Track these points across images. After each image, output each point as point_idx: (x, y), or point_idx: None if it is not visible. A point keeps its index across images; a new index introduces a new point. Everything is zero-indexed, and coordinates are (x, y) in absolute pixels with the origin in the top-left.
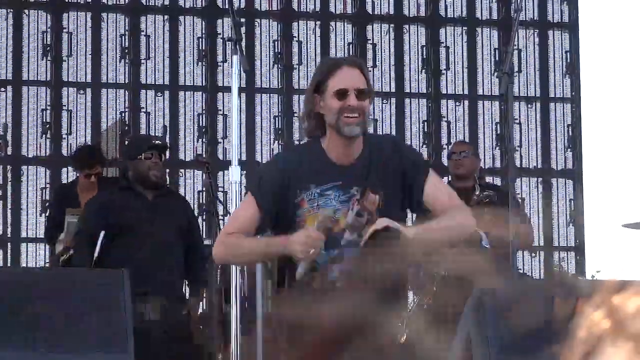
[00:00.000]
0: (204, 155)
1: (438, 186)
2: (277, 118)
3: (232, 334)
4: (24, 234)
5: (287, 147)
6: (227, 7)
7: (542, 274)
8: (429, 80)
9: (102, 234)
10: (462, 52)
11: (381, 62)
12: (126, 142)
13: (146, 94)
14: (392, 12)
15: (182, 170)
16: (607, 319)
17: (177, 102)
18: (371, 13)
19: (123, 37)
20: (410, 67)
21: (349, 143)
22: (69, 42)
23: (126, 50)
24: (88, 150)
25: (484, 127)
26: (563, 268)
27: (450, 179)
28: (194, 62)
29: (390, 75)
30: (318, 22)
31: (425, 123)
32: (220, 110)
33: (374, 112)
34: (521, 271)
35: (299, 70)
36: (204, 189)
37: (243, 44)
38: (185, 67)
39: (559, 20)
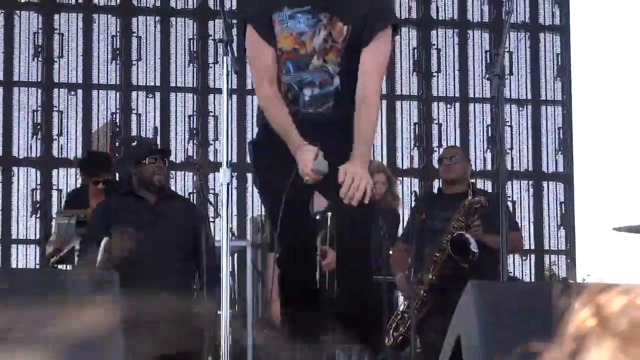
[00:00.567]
0: (194, 157)
1: (376, 56)
2: None
3: (222, 337)
4: (14, 235)
5: None
6: (218, 8)
7: (533, 277)
8: (420, 83)
9: (104, 240)
10: (453, 55)
11: None
12: (129, 146)
13: (137, 95)
14: None
15: (173, 172)
16: (593, 318)
17: (168, 104)
18: None
19: (114, 38)
20: (401, 69)
21: None
22: (60, 43)
23: (117, 52)
24: (97, 158)
25: (474, 130)
26: (554, 272)
27: (440, 184)
28: (185, 64)
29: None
30: None
31: (416, 125)
32: (212, 111)
33: None
34: (511, 274)
35: None
36: (194, 191)
37: (234, 45)
38: (176, 69)
39: (550, 23)
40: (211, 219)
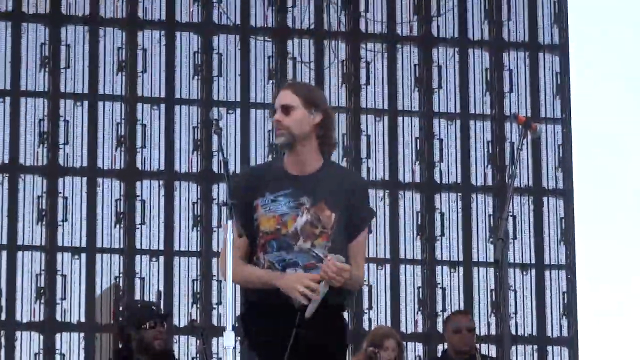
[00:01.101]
0: (198, 321)
1: (361, 244)
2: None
3: None
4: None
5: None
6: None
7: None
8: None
9: None
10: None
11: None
12: (128, 311)
13: (141, 259)
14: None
15: (176, 337)
16: None
17: (172, 267)
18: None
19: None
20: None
21: (294, 154)
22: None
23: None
24: None
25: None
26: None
27: (446, 349)
28: (189, 228)
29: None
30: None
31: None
32: (215, 275)
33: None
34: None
35: None
36: (197, 356)
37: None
38: (180, 232)
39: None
40: None
